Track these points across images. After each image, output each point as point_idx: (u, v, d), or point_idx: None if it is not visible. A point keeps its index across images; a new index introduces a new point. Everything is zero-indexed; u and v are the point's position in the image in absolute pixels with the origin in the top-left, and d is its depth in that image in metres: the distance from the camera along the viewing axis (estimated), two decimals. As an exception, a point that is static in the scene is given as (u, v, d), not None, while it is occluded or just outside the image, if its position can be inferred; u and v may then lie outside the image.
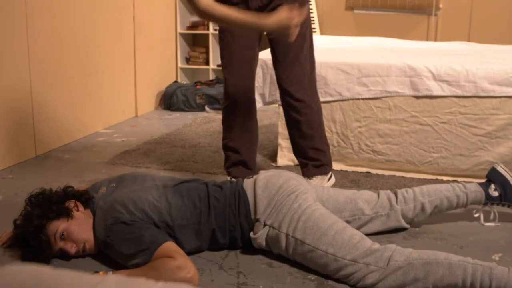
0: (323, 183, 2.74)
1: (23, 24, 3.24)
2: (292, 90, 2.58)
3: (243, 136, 2.66)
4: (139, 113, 4.67)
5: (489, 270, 1.72)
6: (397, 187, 2.76)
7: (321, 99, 3.11)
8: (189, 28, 5.44)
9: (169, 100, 4.90)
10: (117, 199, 2.00)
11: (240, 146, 2.66)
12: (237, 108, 2.62)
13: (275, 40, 2.55)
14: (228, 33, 2.55)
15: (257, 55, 2.66)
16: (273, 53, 2.60)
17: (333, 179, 2.80)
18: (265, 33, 2.61)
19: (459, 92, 2.95)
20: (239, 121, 2.64)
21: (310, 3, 5.40)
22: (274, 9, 2.48)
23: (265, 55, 2.94)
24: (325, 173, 2.75)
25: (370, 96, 3.07)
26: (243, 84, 2.61)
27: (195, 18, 5.54)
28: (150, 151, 3.55)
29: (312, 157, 2.71)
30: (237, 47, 2.56)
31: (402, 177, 3.04)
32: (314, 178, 2.71)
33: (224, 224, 2.05)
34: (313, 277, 1.93)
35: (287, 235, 1.96)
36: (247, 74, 2.62)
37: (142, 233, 1.88)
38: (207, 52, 5.46)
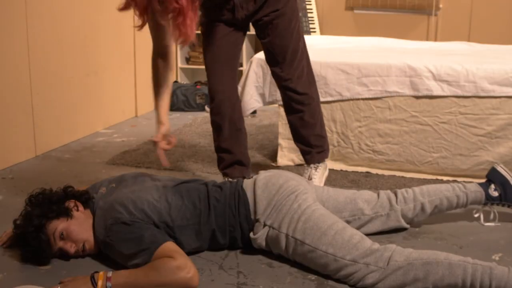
0: (326, 172, 2.84)
1: (23, 24, 3.24)
2: (294, 86, 2.62)
3: (233, 135, 2.68)
4: (139, 113, 4.67)
5: (489, 270, 1.71)
6: (397, 187, 2.75)
7: (321, 99, 3.11)
8: (189, 28, 5.43)
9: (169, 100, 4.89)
10: (117, 200, 2.00)
11: (232, 146, 2.68)
12: (223, 108, 2.62)
13: (271, 44, 2.56)
14: (215, 30, 2.55)
15: (240, 54, 2.68)
16: (270, 55, 2.61)
17: (327, 170, 2.91)
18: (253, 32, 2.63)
19: (459, 92, 2.95)
20: (227, 121, 2.64)
21: (309, 3, 5.41)
22: (261, 19, 2.50)
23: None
24: (326, 158, 2.83)
25: (370, 96, 3.07)
26: (228, 83, 2.62)
27: (195, 18, 5.54)
28: (150, 151, 3.55)
29: (315, 144, 2.77)
30: (224, 45, 2.56)
31: (402, 177, 3.04)
32: (319, 169, 2.77)
33: (224, 224, 2.05)
34: (313, 277, 1.93)
35: (287, 235, 1.96)
36: (231, 73, 2.63)
37: (142, 233, 1.88)
38: (207, 52, 5.45)
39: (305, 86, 2.65)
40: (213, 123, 2.68)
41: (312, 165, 2.78)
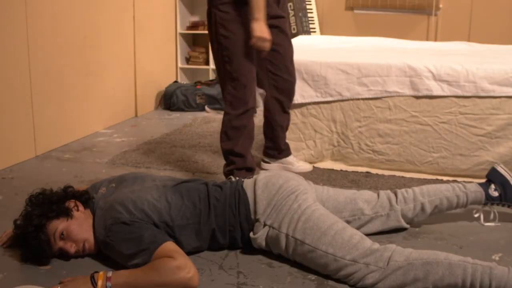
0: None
1: (23, 24, 3.24)
2: (282, 99, 2.65)
3: (248, 141, 2.71)
4: (139, 113, 4.67)
5: (489, 270, 1.72)
6: (397, 187, 2.76)
7: (321, 99, 3.13)
8: (189, 28, 5.44)
9: (169, 100, 4.90)
10: (116, 199, 2.00)
11: (246, 152, 2.70)
12: (250, 116, 2.66)
13: (273, 51, 2.56)
14: (242, 35, 2.54)
15: None
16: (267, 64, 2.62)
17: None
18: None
19: (459, 92, 2.95)
20: (249, 127, 2.68)
21: (309, 3, 5.41)
22: None
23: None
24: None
25: (370, 96, 3.07)
26: (254, 91, 2.65)
27: (195, 18, 5.55)
28: (150, 151, 3.55)
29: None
30: (246, 47, 2.55)
31: (402, 177, 3.04)
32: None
33: (224, 224, 2.05)
34: (313, 277, 1.93)
35: (287, 235, 1.96)
36: (255, 77, 2.66)
37: (142, 233, 1.88)
38: (207, 52, 5.46)
39: (289, 104, 2.85)
40: (237, 128, 2.67)
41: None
